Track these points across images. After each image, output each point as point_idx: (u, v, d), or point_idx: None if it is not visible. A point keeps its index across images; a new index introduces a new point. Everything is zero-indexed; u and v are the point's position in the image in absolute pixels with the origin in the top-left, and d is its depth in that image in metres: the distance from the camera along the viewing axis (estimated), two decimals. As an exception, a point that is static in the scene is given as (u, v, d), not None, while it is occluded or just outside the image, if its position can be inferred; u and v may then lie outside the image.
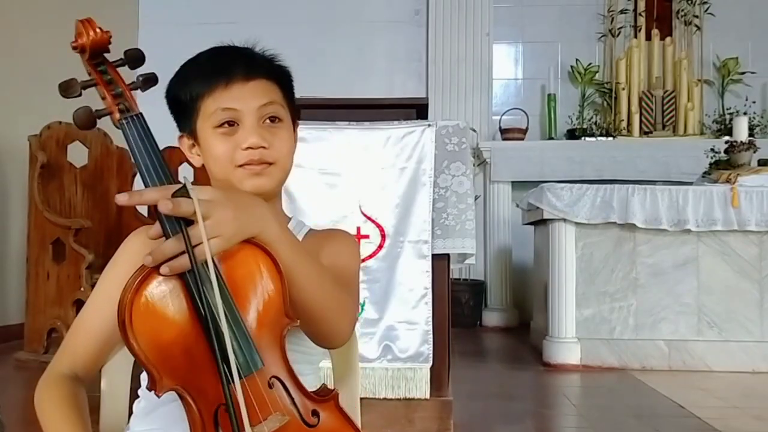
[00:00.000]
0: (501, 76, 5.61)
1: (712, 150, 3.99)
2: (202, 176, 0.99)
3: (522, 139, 5.33)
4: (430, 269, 2.25)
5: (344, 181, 2.26)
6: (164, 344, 0.73)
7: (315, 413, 0.80)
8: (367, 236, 2.24)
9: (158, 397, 0.74)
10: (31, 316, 3.43)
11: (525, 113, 5.36)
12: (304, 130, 2.22)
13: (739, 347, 3.53)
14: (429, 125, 2.27)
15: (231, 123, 0.91)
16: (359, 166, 2.26)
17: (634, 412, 2.75)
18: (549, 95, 5.31)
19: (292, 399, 0.78)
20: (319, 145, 2.25)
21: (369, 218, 2.25)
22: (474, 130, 5.10)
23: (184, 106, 0.93)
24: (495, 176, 5.23)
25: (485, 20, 5.48)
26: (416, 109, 2.46)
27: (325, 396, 0.82)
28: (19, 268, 3.89)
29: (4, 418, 1.96)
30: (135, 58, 0.81)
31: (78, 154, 3.79)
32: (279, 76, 0.97)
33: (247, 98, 0.91)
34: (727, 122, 5.06)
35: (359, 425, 0.88)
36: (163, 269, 0.72)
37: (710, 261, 3.58)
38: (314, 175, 2.24)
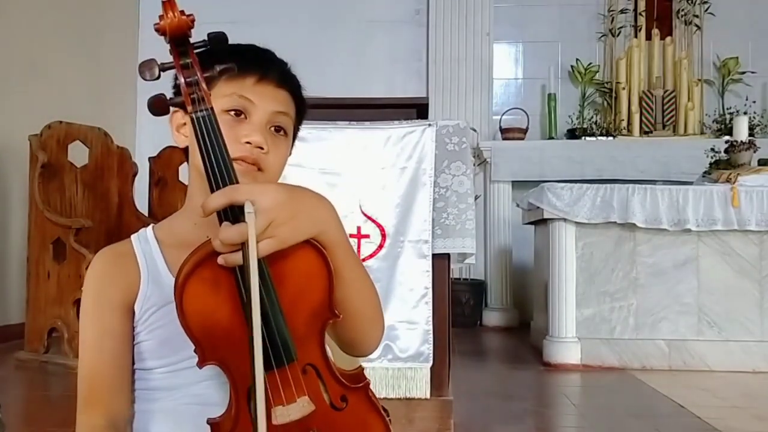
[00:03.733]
0: (501, 75, 5.61)
1: (712, 150, 3.99)
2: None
3: (522, 138, 5.33)
4: (430, 269, 2.25)
5: (344, 180, 2.26)
6: (208, 324, 0.77)
7: (344, 398, 0.83)
8: (367, 236, 2.24)
9: (200, 368, 0.78)
10: (31, 315, 3.43)
11: (525, 113, 5.36)
12: (305, 130, 2.20)
13: (739, 347, 3.53)
14: (429, 125, 2.27)
15: (239, 113, 0.90)
16: (359, 166, 2.27)
17: (634, 412, 2.75)
18: (549, 95, 5.31)
19: (324, 384, 0.82)
20: (319, 145, 2.25)
21: (369, 218, 2.25)
22: (474, 130, 5.10)
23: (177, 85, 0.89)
24: (495, 176, 5.23)
25: (485, 20, 5.48)
26: (416, 109, 2.46)
27: (357, 383, 0.85)
28: (20, 267, 3.89)
29: (5, 418, 1.96)
30: (219, 39, 0.80)
31: (78, 154, 3.79)
32: (300, 101, 0.97)
33: (268, 99, 0.91)
34: (728, 122, 5.06)
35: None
36: (220, 260, 0.75)
37: (710, 261, 3.58)
38: (314, 175, 2.24)
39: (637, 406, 2.85)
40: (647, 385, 3.18)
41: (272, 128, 0.92)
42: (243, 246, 0.74)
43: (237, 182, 0.78)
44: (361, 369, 0.88)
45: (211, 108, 0.78)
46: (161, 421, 0.88)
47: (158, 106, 0.79)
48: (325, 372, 0.82)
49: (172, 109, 0.85)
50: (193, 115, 0.78)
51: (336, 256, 0.81)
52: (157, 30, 0.77)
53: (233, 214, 0.75)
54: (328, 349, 0.84)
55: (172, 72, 0.81)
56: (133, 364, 0.91)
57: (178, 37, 0.78)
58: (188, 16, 0.77)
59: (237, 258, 0.75)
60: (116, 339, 0.89)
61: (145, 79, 0.78)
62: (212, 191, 0.77)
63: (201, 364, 0.78)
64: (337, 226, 0.83)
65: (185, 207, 0.96)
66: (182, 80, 0.78)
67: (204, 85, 0.78)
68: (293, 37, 5.03)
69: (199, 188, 0.91)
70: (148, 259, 0.92)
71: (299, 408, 0.78)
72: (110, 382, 0.88)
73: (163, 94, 0.80)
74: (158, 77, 0.78)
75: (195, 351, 0.77)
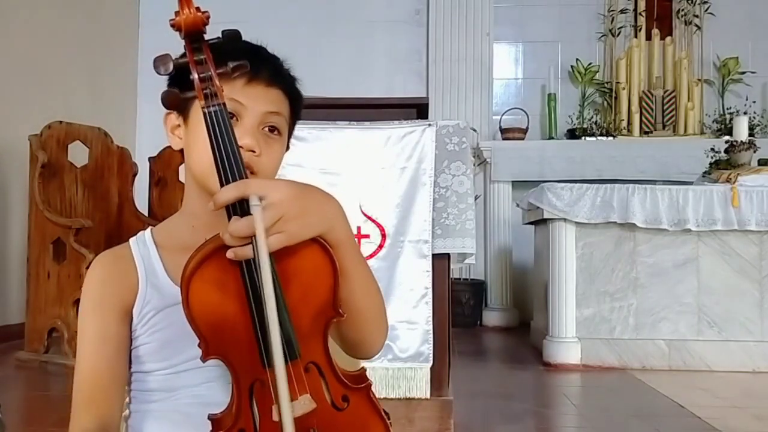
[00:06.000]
0: (501, 75, 5.61)
1: (712, 150, 4.00)
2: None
3: (522, 138, 5.33)
4: (430, 269, 2.25)
5: (344, 180, 2.26)
6: (214, 318, 0.77)
7: (345, 398, 0.83)
8: (367, 236, 2.24)
9: (203, 362, 0.78)
10: (31, 315, 3.43)
11: (525, 113, 5.37)
12: (305, 129, 2.23)
13: (739, 347, 3.53)
14: (429, 125, 2.27)
15: (230, 115, 0.87)
16: (359, 166, 2.26)
17: (634, 412, 2.76)
18: (549, 95, 5.32)
19: (326, 383, 0.82)
20: (319, 145, 2.25)
21: (369, 218, 2.25)
22: (474, 130, 5.10)
23: (191, 81, 0.87)
24: (495, 176, 5.23)
25: (485, 20, 5.49)
26: (416, 109, 2.46)
27: (359, 384, 0.85)
28: (20, 267, 3.89)
29: (5, 418, 1.96)
30: (232, 37, 0.82)
31: (78, 154, 3.79)
32: (295, 96, 0.96)
33: (258, 100, 0.89)
34: (727, 122, 5.06)
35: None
36: (229, 253, 0.75)
37: (710, 261, 3.58)
38: (314, 175, 2.24)
39: (637, 406, 2.85)
40: (647, 385, 3.18)
41: (265, 128, 0.91)
42: (252, 240, 0.74)
43: (247, 177, 0.78)
44: (363, 370, 0.88)
45: (224, 103, 0.79)
46: (161, 421, 0.88)
47: (171, 100, 0.80)
48: (327, 371, 0.82)
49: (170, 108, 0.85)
50: (206, 110, 0.78)
51: (342, 255, 0.81)
52: (172, 26, 0.78)
53: (242, 208, 0.75)
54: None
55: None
56: (130, 367, 0.91)
57: (193, 33, 0.79)
58: (203, 12, 0.79)
59: (247, 251, 0.74)
60: (113, 343, 0.89)
61: (159, 74, 0.79)
62: (222, 186, 0.77)
63: (204, 357, 0.78)
64: (344, 225, 0.83)
65: (182, 210, 0.96)
66: (196, 76, 0.78)
67: (217, 81, 0.79)
68: (293, 37, 5.03)
69: (195, 191, 0.91)
70: (147, 263, 0.92)
71: (301, 405, 0.78)
72: (105, 386, 0.88)
73: (176, 89, 0.80)
74: (172, 72, 0.79)
75: (199, 345, 0.78)
